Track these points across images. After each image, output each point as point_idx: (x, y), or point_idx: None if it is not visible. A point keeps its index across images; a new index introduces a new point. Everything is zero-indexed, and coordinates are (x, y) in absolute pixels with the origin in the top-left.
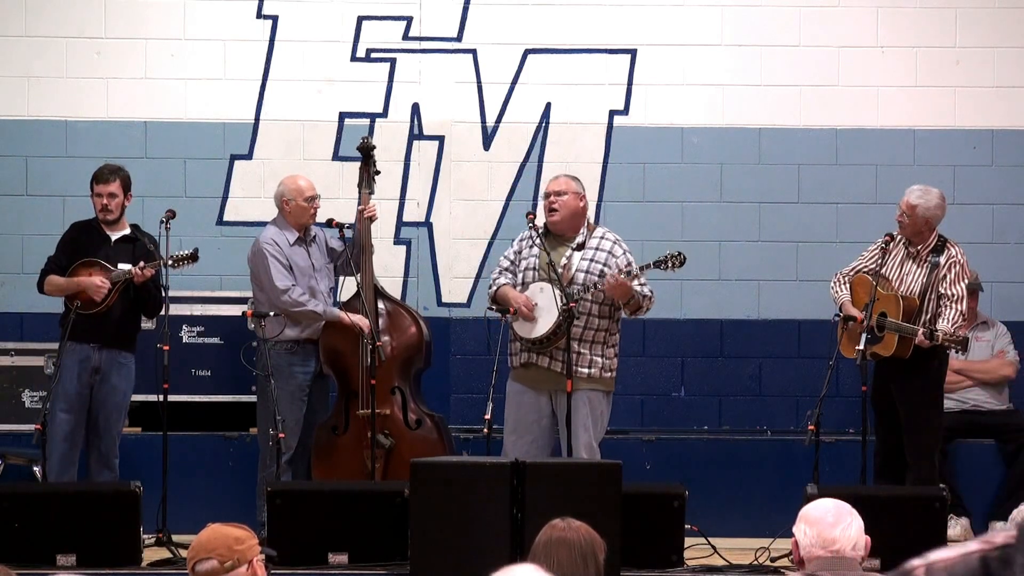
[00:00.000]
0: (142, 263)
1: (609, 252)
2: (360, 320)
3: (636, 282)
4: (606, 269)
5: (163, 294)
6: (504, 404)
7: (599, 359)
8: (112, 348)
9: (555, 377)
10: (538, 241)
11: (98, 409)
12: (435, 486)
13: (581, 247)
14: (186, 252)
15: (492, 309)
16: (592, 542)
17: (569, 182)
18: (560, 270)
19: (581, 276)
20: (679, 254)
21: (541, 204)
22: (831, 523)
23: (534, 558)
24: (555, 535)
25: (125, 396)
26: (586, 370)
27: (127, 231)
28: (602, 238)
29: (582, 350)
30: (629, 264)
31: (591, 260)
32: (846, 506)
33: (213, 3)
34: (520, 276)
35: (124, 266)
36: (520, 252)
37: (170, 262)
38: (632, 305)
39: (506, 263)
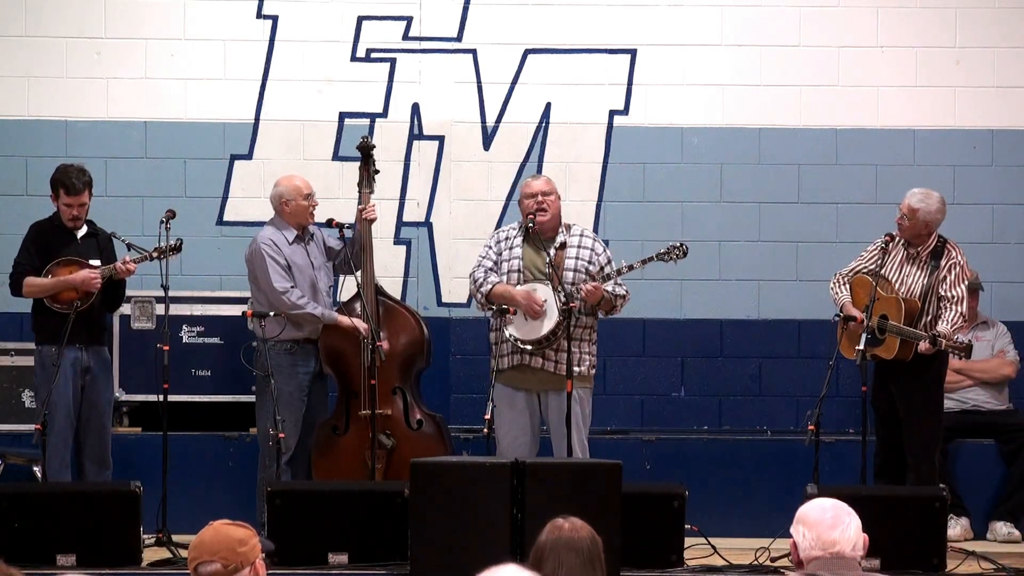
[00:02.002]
0: (125, 258)
1: (591, 250)
2: (358, 323)
3: (611, 283)
4: (590, 267)
5: (165, 293)
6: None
7: (587, 357)
8: (93, 345)
9: (547, 377)
10: (519, 241)
11: (91, 408)
12: (435, 486)
13: (563, 246)
14: (171, 243)
15: (492, 308)
16: (597, 543)
17: (551, 182)
18: (549, 270)
19: (570, 275)
20: (681, 245)
21: (526, 204)
22: (830, 524)
23: (538, 558)
24: (563, 537)
25: (113, 392)
26: (577, 368)
27: (86, 227)
28: (582, 235)
29: (572, 348)
30: (603, 267)
31: (576, 259)
32: (843, 506)
33: (213, 3)
34: (504, 278)
35: (94, 261)
36: (500, 253)
37: (156, 255)
38: (606, 306)
39: (489, 263)
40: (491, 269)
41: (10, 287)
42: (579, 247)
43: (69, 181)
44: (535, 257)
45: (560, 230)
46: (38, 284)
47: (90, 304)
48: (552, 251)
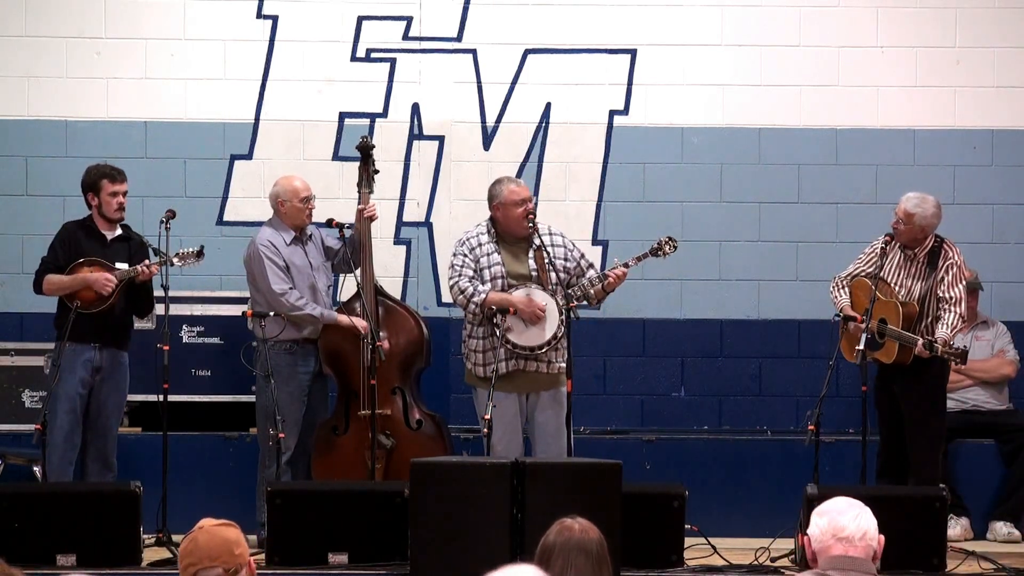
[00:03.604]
0: (147, 261)
1: (564, 247)
2: (357, 322)
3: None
4: (566, 263)
5: (165, 293)
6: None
7: (564, 353)
8: (111, 347)
9: (539, 379)
10: (494, 247)
11: (99, 409)
12: (435, 486)
13: (540, 248)
14: (193, 249)
15: (493, 310)
16: (604, 544)
17: (528, 187)
18: (534, 273)
19: (553, 276)
20: (670, 239)
21: (517, 213)
22: (841, 511)
23: (546, 559)
24: (573, 539)
25: (124, 395)
26: (561, 364)
27: (119, 231)
28: (551, 234)
29: (557, 347)
30: (579, 261)
31: (553, 257)
32: (858, 502)
33: (213, 3)
34: (487, 285)
35: (121, 265)
36: (478, 260)
37: (176, 260)
38: (599, 295)
39: (469, 272)
40: (473, 278)
41: (33, 284)
42: (553, 245)
43: (110, 170)
44: (515, 262)
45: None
46: (56, 282)
47: (107, 306)
48: (532, 252)
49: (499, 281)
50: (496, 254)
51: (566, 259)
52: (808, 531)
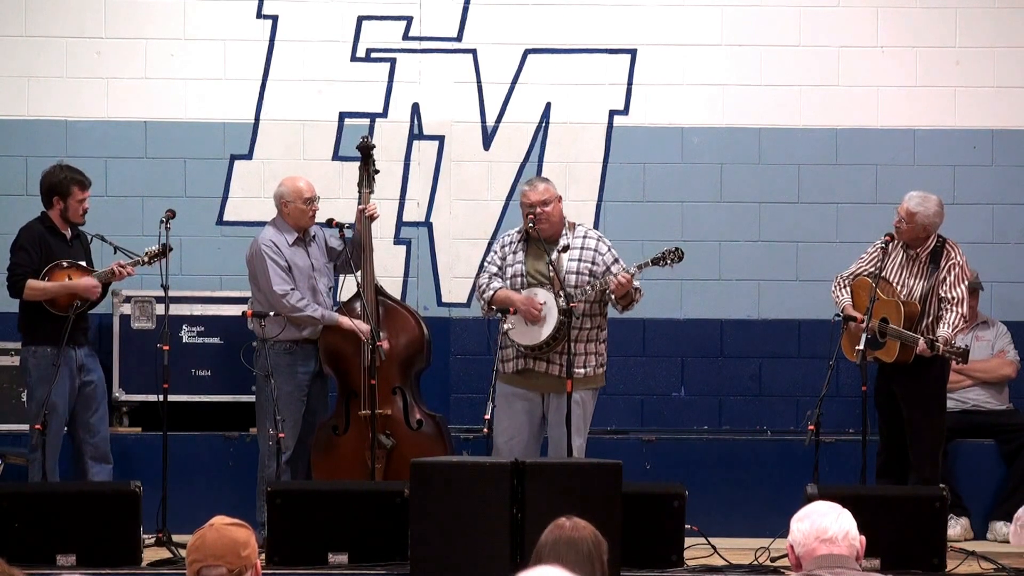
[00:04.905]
0: (120, 262)
1: (595, 250)
2: (359, 325)
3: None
4: (593, 267)
5: (165, 293)
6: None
7: (592, 357)
8: (84, 346)
9: (551, 380)
10: (521, 246)
11: (86, 405)
12: (435, 486)
13: (566, 248)
14: (155, 248)
15: (493, 310)
16: (598, 543)
17: (548, 188)
18: (551, 274)
19: (572, 278)
20: (676, 250)
21: (524, 213)
22: (823, 513)
23: (538, 557)
24: (563, 536)
25: (106, 389)
26: (581, 370)
27: (70, 230)
28: (585, 237)
29: (577, 350)
30: (609, 267)
31: (579, 260)
32: (836, 504)
33: (213, 3)
34: (508, 283)
35: (80, 262)
36: (505, 258)
37: (147, 259)
38: (626, 300)
39: (494, 268)
40: (495, 275)
41: (10, 288)
42: (582, 248)
43: (81, 176)
44: (536, 262)
45: (564, 232)
46: (40, 288)
47: (88, 306)
48: (554, 254)
49: (518, 279)
50: (521, 253)
51: (593, 262)
52: (790, 538)
